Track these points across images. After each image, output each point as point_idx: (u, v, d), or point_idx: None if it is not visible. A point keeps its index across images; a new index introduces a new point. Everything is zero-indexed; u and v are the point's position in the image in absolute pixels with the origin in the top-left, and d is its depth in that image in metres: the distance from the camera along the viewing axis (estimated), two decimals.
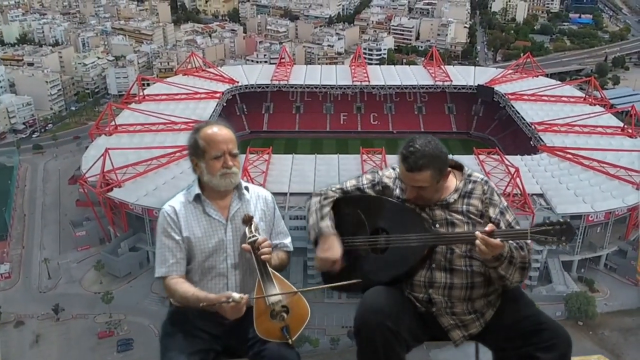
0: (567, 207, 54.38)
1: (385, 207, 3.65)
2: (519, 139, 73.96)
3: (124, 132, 68.54)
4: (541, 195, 55.86)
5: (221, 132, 3.74)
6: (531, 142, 69.40)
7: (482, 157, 62.68)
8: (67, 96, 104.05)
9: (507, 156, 62.31)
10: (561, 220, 3.29)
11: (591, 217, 54.75)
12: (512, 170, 55.99)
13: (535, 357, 3.37)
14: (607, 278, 58.26)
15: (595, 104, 77.55)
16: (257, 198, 3.97)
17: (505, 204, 3.62)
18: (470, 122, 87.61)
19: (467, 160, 63.49)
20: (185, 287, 3.68)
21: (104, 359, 49.26)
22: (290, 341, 3.50)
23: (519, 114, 75.20)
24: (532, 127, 70.44)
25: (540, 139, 67.75)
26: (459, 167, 3.69)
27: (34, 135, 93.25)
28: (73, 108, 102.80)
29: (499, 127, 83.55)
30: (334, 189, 3.83)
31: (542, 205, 54.53)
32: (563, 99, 78.96)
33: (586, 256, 57.60)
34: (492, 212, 3.54)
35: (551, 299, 53.36)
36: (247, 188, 3.95)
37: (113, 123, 69.64)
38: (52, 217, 69.43)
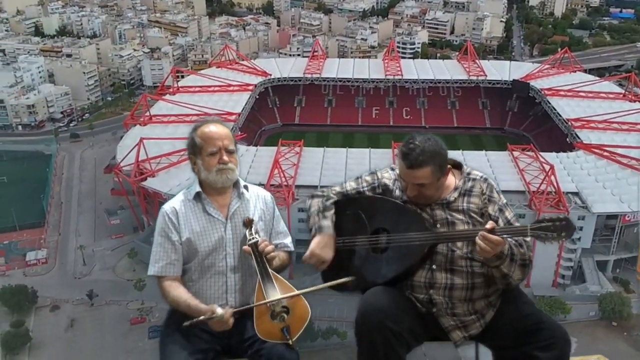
0: (603, 206, 53.27)
1: (386, 207, 3.67)
2: (554, 135, 72.60)
3: (158, 123, 69.50)
4: (576, 194, 54.76)
5: (217, 129, 3.81)
6: (567, 139, 68.04)
7: (516, 153, 61.73)
8: (103, 87, 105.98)
9: (542, 153, 61.17)
10: (560, 216, 3.27)
11: (628, 217, 53.50)
12: (547, 167, 54.96)
13: (534, 356, 3.37)
14: None
15: (635, 101, 75.38)
16: (256, 198, 4.02)
17: (505, 201, 3.65)
18: (505, 117, 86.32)
19: (501, 157, 62.68)
20: (178, 292, 3.75)
21: (136, 345, 50.26)
22: (290, 342, 3.53)
23: (555, 110, 73.76)
24: (569, 123, 69.02)
25: (577, 135, 66.34)
26: (458, 166, 3.72)
27: (71, 125, 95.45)
28: (109, 98, 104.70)
29: (534, 124, 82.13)
30: (334, 191, 3.86)
31: (578, 204, 53.48)
32: (601, 95, 77.07)
33: (622, 256, 56.33)
34: (492, 210, 3.57)
35: (584, 299, 52.48)
36: (246, 187, 3.99)
37: (147, 113, 70.69)
38: (88, 205, 71.04)
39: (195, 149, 3.80)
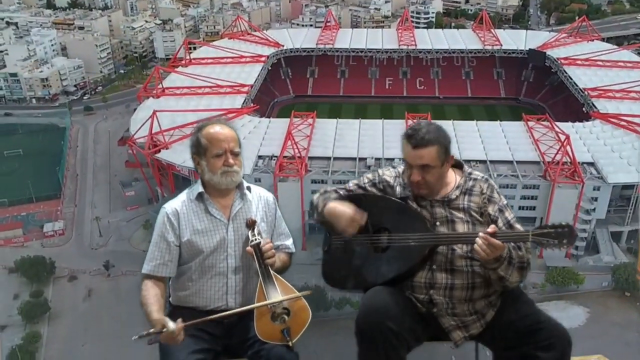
0: (618, 177, 52.74)
1: (388, 207, 3.66)
2: (570, 105, 71.61)
3: (171, 95, 69.53)
4: (592, 164, 54.24)
5: (223, 130, 3.77)
6: (583, 109, 67.07)
7: (531, 123, 61.04)
8: (116, 59, 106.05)
9: (557, 123, 60.46)
10: (563, 223, 3.26)
11: None
12: (563, 137, 54.36)
13: (534, 356, 3.38)
14: None
15: None
16: (258, 199, 4.01)
17: (505, 202, 3.65)
18: (520, 87, 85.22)
19: (516, 127, 62.00)
20: (147, 295, 3.68)
21: None
22: (290, 343, 3.51)
23: (571, 79, 72.62)
24: (585, 93, 67.98)
25: (593, 105, 65.37)
26: (459, 165, 3.74)
27: (84, 98, 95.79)
28: (122, 71, 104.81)
29: (549, 93, 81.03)
30: (336, 189, 3.86)
31: (593, 175, 53.00)
32: (619, 64, 75.60)
33: (637, 227, 55.91)
34: (491, 210, 3.59)
35: (598, 269, 52.38)
36: (249, 188, 3.98)
37: (160, 86, 70.68)
38: (103, 177, 71.77)
39: (200, 150, 3.76)
